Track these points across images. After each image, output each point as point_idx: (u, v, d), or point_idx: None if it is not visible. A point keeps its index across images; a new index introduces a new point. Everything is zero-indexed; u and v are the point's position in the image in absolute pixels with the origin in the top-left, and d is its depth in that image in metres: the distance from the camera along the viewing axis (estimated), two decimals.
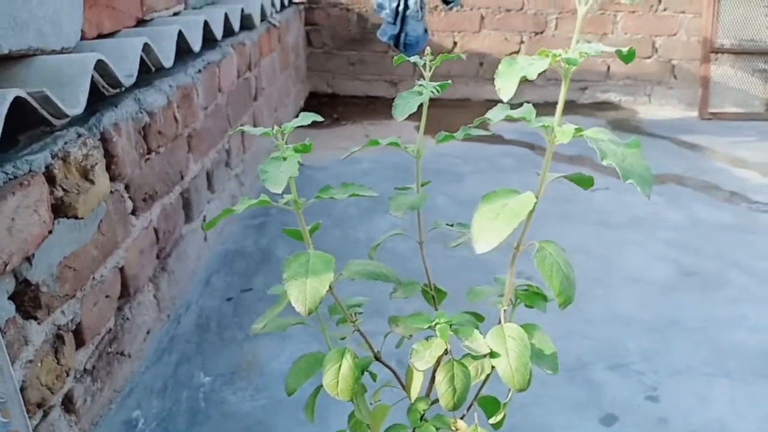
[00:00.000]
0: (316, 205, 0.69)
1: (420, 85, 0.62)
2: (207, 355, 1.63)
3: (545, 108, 3.86)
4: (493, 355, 0.55)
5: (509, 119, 0.50)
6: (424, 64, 0.62)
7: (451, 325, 0.59)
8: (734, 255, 2.20)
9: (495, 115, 0.51)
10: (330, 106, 4.05)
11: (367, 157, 3.06)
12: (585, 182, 0.54)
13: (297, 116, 2.56)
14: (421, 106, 0.62)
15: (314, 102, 4.14)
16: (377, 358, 0.65)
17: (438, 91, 0.61)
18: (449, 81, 0.63)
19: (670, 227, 2.42)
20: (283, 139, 0.54)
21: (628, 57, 0.45)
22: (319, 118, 0.56)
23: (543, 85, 3.91)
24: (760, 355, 1.67)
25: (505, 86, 0.43)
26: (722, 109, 3.82)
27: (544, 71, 0.43)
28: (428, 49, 0.64)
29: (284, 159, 0.52)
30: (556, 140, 0.46)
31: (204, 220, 1.97)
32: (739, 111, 3.81)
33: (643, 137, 3.54)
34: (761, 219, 2.50)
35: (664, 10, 3.85)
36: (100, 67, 1.30)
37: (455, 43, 4.00)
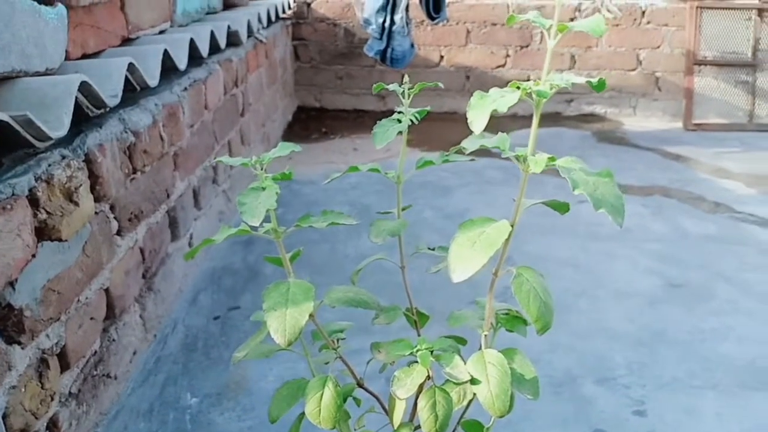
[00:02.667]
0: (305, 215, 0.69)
1: (399, 112, 0.63)
2: (193, 375, 1.62)
3: (529, 119, 3.90)
4: (473, 381, 0.55)
5: (485, 146, 0.51)
6: (403, 91, 0.63)
7: (432, 352, 0.59)
8: (720, 266, 2.22)
9: (470, 144, 0.52)
10: (318, 120, 4.06)
11: (366, 165, 3.07)
12: (561, 207, 0.54)
13: (286, 129, 2.54)
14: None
15: (302, 116, 4.15)
16: (360, 385, 0.65)
17: (417, 119, 0.62)
18: (428, 108, 0.64)
19: (656, 239, 2.44)
20: (262, 169, 0.54)
21: (598, 87, 0.46)
22: (298, 148, 0.57)
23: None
24: (747, 367, 1.68)
25: (477, 119, 0.44)
26: (706, 120, 3.87)
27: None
28: (406, 77, 0.64)
29: (263, 189, 0.52)
30: (529, 170, 0.47)
31: (191, 238, 1.97)
32: (722, 122, 3.86)
33: (629, 148, 3.57)
34: (746, 230, 2.53)
35: (648, 23, 3.90)
36: (85, 88, 1.30)
37: (442, 57, 4.03)
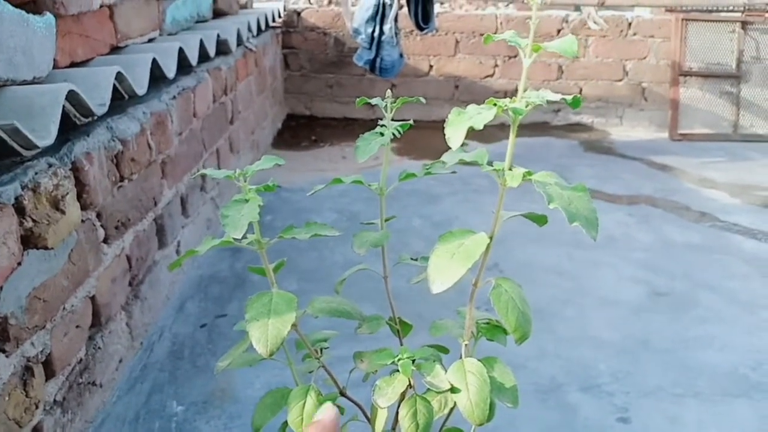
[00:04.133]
0: (292, 223, 0.70)
1: (382, 125, 0.64)
2: (180, 383, 1.61)
3: (517, 129, 3.93)
4: (453, 390, 0.56)
5: (464, 161, 0.52)
6: (386, 105, 0.64)
7: (413, 361, 0.60)
8: (704, 275, 2.25)
9: (449, 158, 0.53)
10: (308, 128, 4.07)
11: (350, 177, 3.08)
12: (539, 220, 0.56)
13: (275, 137, 2.55)
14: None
15: (292, 124, 4.16)
16: (342, 394, 0.66)
17: (399, 132, 0.63)
18: (411, 121, 0.65)
19: (641, 248, 2.47)
20: (245, 181, 0.55)
21: (573, 104, 0.47)
22: (281, 161, 0.58)
23: None
24: (729, 375, 1.70)
25: (455, 136, 0.45)
26: (692, 131, 3.92)
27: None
28: (389, 92, 0.66)
29: (246, 201, 0.53)
30: (507, 184, 0.48)
31: (178, 245, 1.97)
32: (708, 132, 3.91)
33: (616, 158, 3.61)
34: (730, 239, 2.56)
35: (634, 34, 3.95)
36: (72, 96, 1.31)
37: (431, 67, 4.06)
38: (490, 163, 0.51)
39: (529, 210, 0.60)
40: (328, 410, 0.45)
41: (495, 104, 0.45)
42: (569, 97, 0.46)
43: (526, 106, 0.45)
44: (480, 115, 0.44)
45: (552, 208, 0.44)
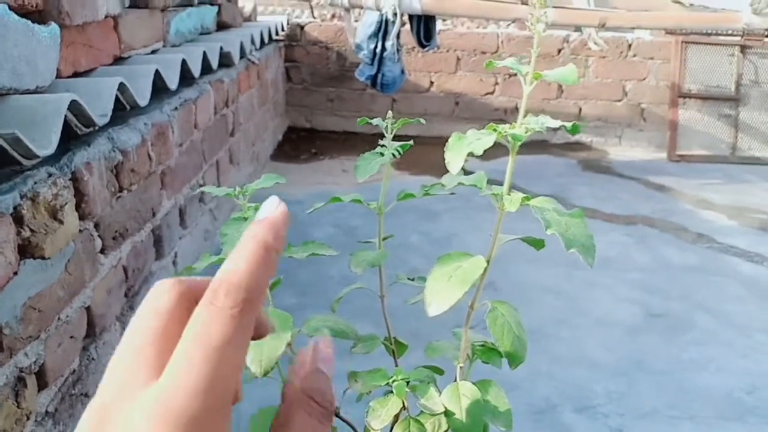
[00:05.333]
0: (291, 242, 0.70)
1: (382, 146, 0.65)
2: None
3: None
4: (447, 413, 0.56)
5: (462, 184, 0.52)
6: (386, 126, 0.64)
7: (408, 383, 0.60)
8: (700, 297, 2.25)
9: (448, 181, 0.53)
10: (308, 141, 4.08)
11: (346, 190, 3.09)
12: (537, 244, 0.56)
13: (276, 149, 2.55)
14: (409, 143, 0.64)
15: (293, 136, 4.17)
16: (335, 414, 0.65)
17: (399, 152, 0.63)
18: (411, 142, 0.65)
19: (638, 268, 2.47)
20: (245, 200, 0.55)
21: (573, 130, 0.48)
22: (282, 180, 0.58)
23: None
24: (724, 398, 1.70)
25: (454, 160, 0.45)
26: (690, 152, 3.94)
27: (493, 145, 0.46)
28: (390, 113, 0.66)
29: (245, 219, 0.53)
30: (505, 208, 0.48)
31: (175, 257, 1.97)
32: (706, 154, 3.93)
33: (614, 178, 3.62)
34: (727, 261, 2.56)
35: (634, 56, 3.98)
36: (74, 106, 1.31)
37: (432, 83, 4.09)
38: (489, 185, 0.51)
39: (529, 231, 0.60)
40: (274, 204, 0.32)
41: (495, 129, 0.46)
42: (569, 124, 0.47)
43: (526, 132, 0.45)
44: (479, 141, 0.44)
45: (550, 234, 0.45)
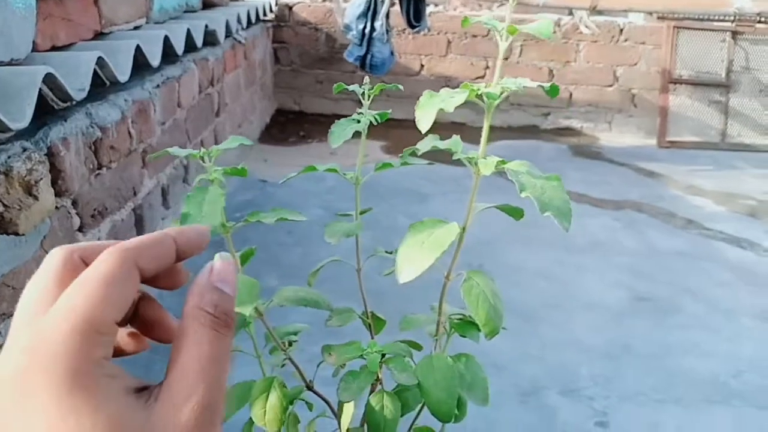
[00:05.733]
0: (281, 224, 0.68)
1: (359, 113, 0.62)
2: (156, 374, 1.58)
3: (507, 132, 3.92)
4: (420, 386, 0.54)
5: (436, 148, 0.50)
6: (363, 92, 0.62)
7: (383, 355, 0.58)
8: (687, 282, 2.25)
9: (423, 145, 0.51)
10: (296, 124, 4.04)
11: (333, 174, 3.06)
12: (515, 213, 0.54)
13: (263, 131, 2.51)
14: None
15: (281, 119, 4.13)
16: (309, 388, 0.63)
17: (377, 120, 0.61)
18: (389, 111, 0.63)
19: (626, 253, 2.46)
20: (210, 161, 0.52)
21: (551, 92, 0.45)
22: (248, 142, 0.55)
23: (507, 109, 3.97)
24: (710, 382, 1.70)
25: (424, 118, 0.43)
26: (680, 138, 3.93)
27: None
28: (366, 78, 0.64)
29: (211, 182, 0.51)
30: (480, 172, 0.46)
31: None
32: (696, 140, 3.93)
33: (604, 163, 3.61)
34: (715, 246, 2.56)
35: (625, 40, 3.95)
36: (50, 80, 1.27)
37: (422, 66, 4.05)
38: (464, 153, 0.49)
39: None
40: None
41: (469, 87, 0.43)
42: (546, 85, 0.44)
43: (501, 93, 0.43)
44: (452, 99, 0.42)
45: (524, 197, 0.43)
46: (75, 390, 0.27)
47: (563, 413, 1.55)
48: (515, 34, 0.44)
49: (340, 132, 0.58)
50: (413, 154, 0.57)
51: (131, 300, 0.32)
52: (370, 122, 0.62)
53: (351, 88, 0.64)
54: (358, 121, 0.62)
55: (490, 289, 0.51)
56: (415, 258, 0.46)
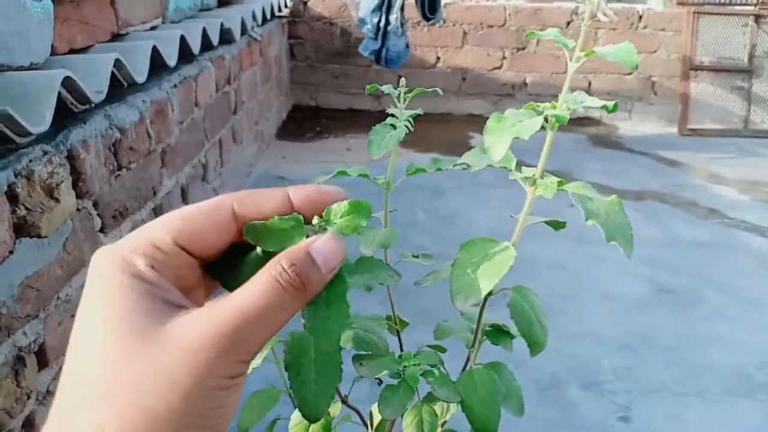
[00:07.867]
0: None
1: (392, 116, 0.61)
2: None
3: None
4: (463, 403, 0.54)
5: (491, 165, 0.49)
6: (399, 95, 0.61)
7: (418, 365, 0.58)
8: (710, 273, 2.22)
9: (475, 162, 0.50)
10: (313, 119, 4.04)
11: (355, 169, 3.06)
12: (558, 225, 0.54)
13: (280, 128, 2.52)
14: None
15: (297, 115, 4.13)
16: (344, 402, 0.64)
17: (411, 124, 0.60)
18: (420, 110, 0.62)
19: (647, 244, 2.43)
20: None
21: (613, 109, 0.45)
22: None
23: (524, 99, 3.93)
24: (733, 375, 1.68)
25: (496, 145, 0.41)
26: (702, 126, 3.87)
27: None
28: (403, 80, 0.63)
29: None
30: (537, 193, 0.46)
31: None
32: (718, 127, 3.86)
33: (623, 153, 3.57)
34: (738, 236, 2.52)
35: (645, 27, 3.89)
36: (68, 83, 1.28)
37: (438, 58, 4.02)
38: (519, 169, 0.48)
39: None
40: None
41: (535, 109, 0.42)
42: (610, 104, 0.44)
43: (567, 112, 0.42)
44: (523, 124, 0.41)
45: (590, 225, 0.42)
46: (107, 276, 0.32)
47: (584, 408, 1.54)
48: (591, 55, 0.44)
49: (379, 142, 0.57)
50: (447, 162, 0.56)
51: (210, 232, 0.32)
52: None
53: (385, 89, 0.63)
54: (393, 126, 0.61)
55: (537, 306, 0.52)
56: (471, 284, 0.46)
